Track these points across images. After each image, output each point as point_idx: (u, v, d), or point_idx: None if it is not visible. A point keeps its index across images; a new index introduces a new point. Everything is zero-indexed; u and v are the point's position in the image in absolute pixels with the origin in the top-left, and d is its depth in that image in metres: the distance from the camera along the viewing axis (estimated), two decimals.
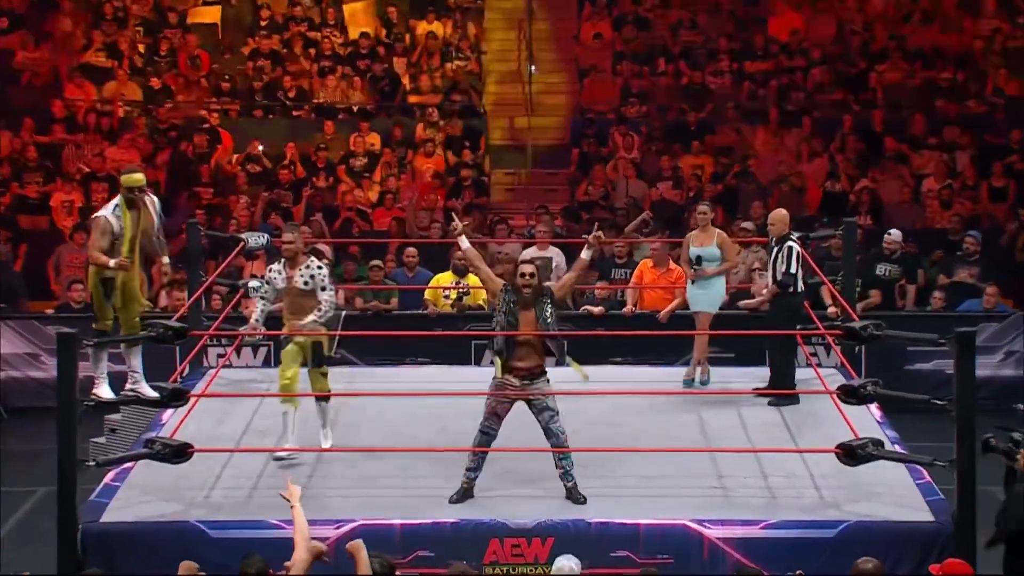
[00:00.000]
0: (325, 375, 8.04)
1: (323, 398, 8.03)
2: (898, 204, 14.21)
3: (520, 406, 7.32)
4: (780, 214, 9.15)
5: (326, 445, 7.95)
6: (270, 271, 8.06)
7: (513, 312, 7.27)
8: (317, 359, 7.99)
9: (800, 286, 8.98)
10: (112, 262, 7.92)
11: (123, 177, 8.08)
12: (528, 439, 7.50)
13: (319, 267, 7.96)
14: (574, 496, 7.21)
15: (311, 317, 7.86)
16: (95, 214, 8.20)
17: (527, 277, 7.31)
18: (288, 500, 5.91)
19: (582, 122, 15.75)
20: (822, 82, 15.74)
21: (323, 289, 7.91)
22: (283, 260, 8.01)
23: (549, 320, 7.25)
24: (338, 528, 6.85)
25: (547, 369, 7.36)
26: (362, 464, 7.72)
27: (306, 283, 7.92)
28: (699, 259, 9.10)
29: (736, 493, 7.41)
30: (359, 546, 5.57)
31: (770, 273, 9.06)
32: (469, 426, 7.55)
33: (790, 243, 8.93)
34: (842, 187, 14.36)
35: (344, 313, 11.82)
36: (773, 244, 9.06)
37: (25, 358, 12.10)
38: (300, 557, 5.57)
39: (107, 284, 7.96)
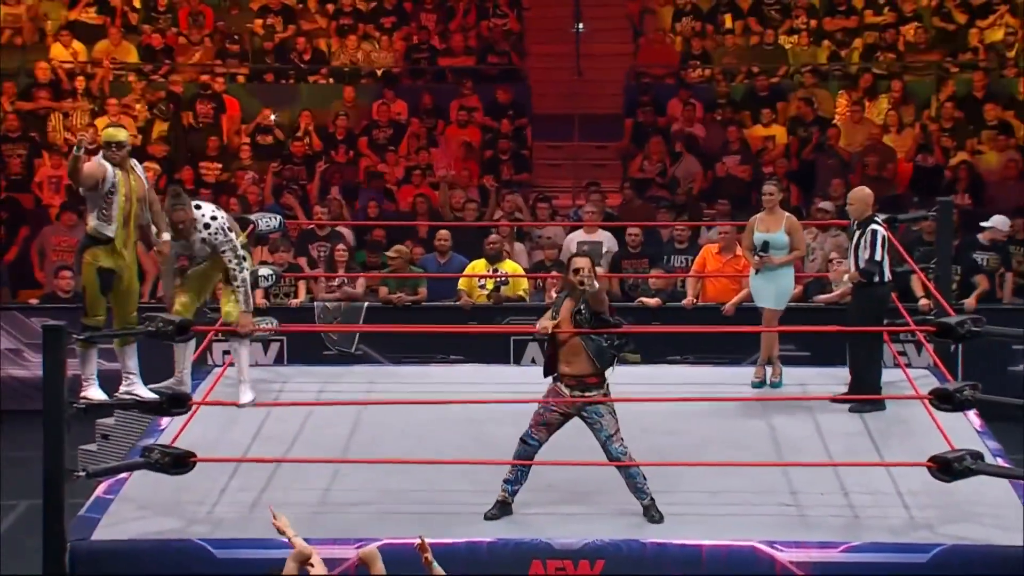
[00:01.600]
0: (238, 299, 8.18)
1: (238, 335, 8.25)
2: (1001, 181, 14.10)
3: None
4: (862, 193, 9.10)
5: (245, 399, 8.20)
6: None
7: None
8: (227, 275, 8.17)
9: (887, 275, 8.94)
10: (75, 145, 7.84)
11: (102, 134, 8.11)
12: (576, 448, 7.51)
13: (213, 218, 8.14)
14: (650, 514, 7.22)
15: (232, 270, 8.07)
16: None
17: (583, 273, 7.25)
18: (282, 532, 5.94)
19: (637, 88, 15.71)
20: (914, 41, 15.62)
21: (226, 239, 8.09)
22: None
23: (580, 319, 7.19)
24: (359, 548, 6.87)
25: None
26: (386, 476, 7.75)
27: (202, 249, 8.18)
28: (765, 245, 9.08)
29: (813, 511, 7.39)
30: (374, 554, 5.59)
31: (851, 261, 9.02)
32: (507, 433, 7.57)
33: (874, 226, 8.89)
34: (936, 161, 14.26)
35: (366, 305, 11.96)
36: (854, 227, 9.02)
37: (6, 355, 12.21)
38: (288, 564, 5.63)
39: (104, 274, 7.95)
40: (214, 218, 8.17)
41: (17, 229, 13.66)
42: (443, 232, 12.40)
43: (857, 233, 8.96)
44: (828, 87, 15.30)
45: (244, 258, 8.26)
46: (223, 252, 8.15)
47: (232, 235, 8.18)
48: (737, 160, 14.46)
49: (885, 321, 9.09)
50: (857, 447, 8.26)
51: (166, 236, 8.14)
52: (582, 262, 7.27)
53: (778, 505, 7.46)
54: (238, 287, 8.18)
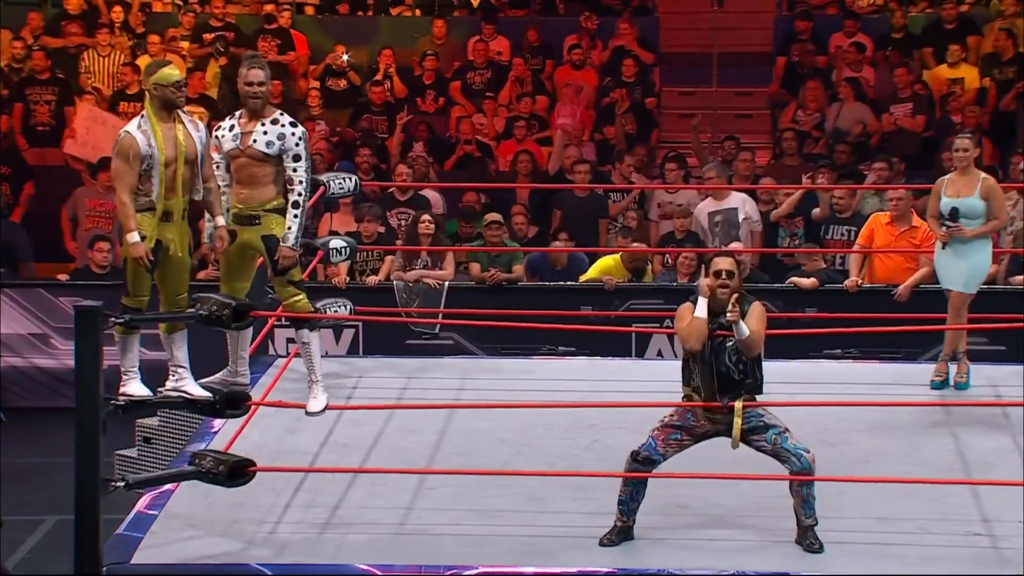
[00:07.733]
0: (298, 286, 8.29)
1: (303, 325, 8.25)
2: None
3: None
4: None
5: (316, 407, 8.18)
6: (219, 128, 8.38)
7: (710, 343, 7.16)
8: (276, 263, 8.22)
9: None
10: (133, 236, 7.75)
11: (154, 77, 7.92)
12: (714, 460, 7.51)
13: (293, 124, 8.29)
14: (808, 539, 7.18)
15: (295, 186, 8.16)
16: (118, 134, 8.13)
17: (723, 276, 7.14)
18: None
19: (790, 20, 15.62)
20: None
21: (296, 159, 8.19)
22: (239, 113, 8.35)
23: (730, 360, 7.14)
24: None
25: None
26: (481, 491, 7.81)
27: (269, 144, 8.22)
28: (955, 213, 9.03)
29: (1008, 543, 7.33)
30: None
31: None
32: (628, 442, 7.57)
33: None
34: None
35: (447, 285, 12.00)
36: None
37: (29, 341, 12.39)
38: None
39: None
40: (296, 125, 8.32)
41: (20, 188, 13.79)
42: None
43: None
44: None
45: (308, 189, 8.32)
46: (296, 160, 8.20)
47: (308, 156, 8.28)
48: (908, 109, 14.30)
49: None
50: None
51: (220, 220, 8.20)
52: (725, 263, 7.16)
53: (964, 535, 7.41)
54: (295, 214, 8.22)
